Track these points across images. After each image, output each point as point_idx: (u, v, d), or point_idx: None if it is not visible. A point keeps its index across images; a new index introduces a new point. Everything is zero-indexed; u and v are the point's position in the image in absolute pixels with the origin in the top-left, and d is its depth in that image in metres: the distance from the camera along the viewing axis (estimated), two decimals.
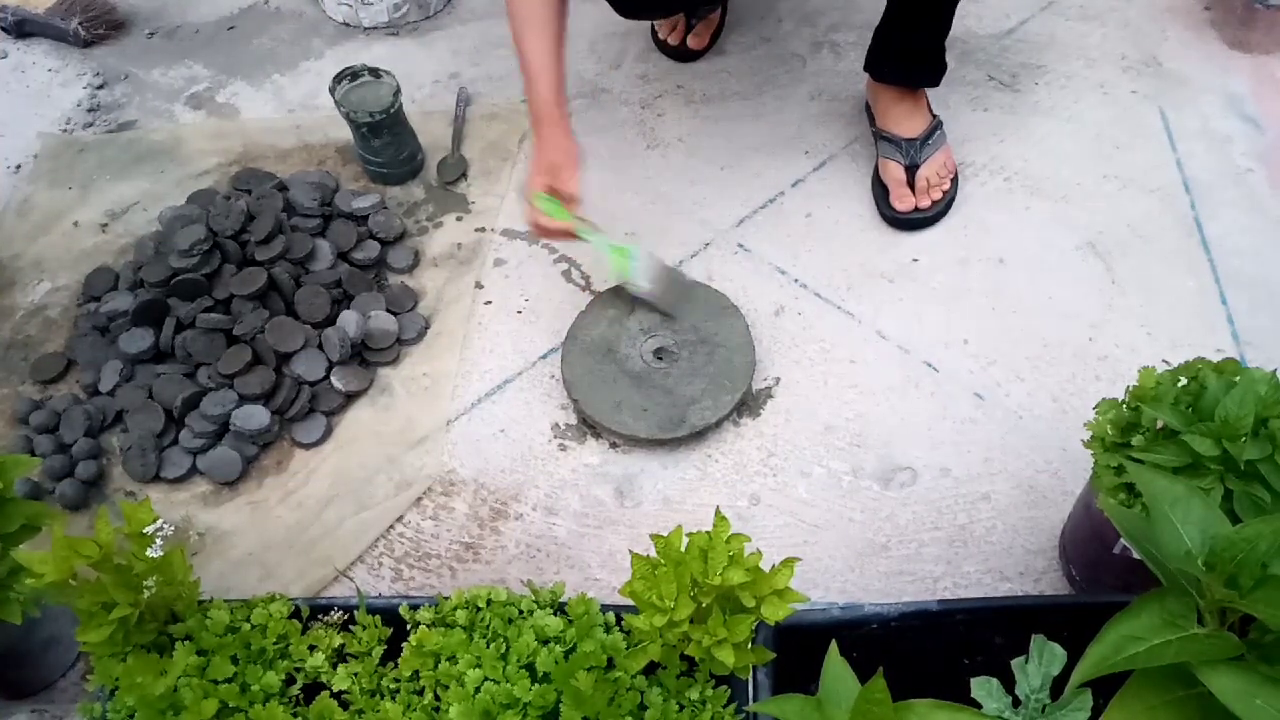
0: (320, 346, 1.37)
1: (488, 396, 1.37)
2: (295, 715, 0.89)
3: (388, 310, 1.42)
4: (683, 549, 0.80)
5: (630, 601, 0.81)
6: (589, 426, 1.32)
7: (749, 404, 1.33)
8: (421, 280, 1.49)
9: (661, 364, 1.33)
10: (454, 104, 1.71)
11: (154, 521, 0.89)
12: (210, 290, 1.39)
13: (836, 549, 1.21)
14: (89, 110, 1.78)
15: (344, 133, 1.62)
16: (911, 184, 1.47)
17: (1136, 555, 0.72)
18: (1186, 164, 1.53)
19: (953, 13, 1.39)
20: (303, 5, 1.94)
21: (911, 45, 1.44)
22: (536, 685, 0.85)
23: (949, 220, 1.49)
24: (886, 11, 1.42)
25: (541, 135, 1.27)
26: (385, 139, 1.54)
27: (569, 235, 1.29)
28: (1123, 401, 0.94)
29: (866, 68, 1.50)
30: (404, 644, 0.92)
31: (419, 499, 1.27)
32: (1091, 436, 0.94)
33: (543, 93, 1.26)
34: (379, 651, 0.93)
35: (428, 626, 0.93)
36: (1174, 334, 1.35)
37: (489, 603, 0.94)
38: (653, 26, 1.77)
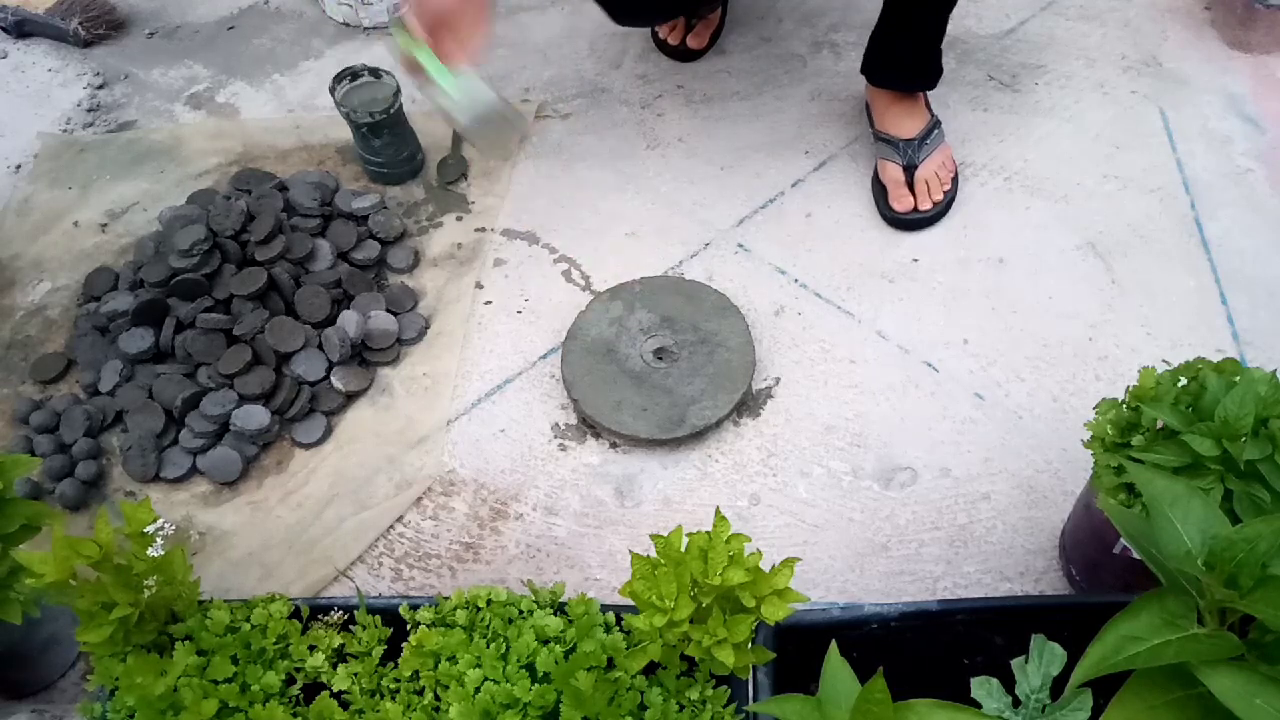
0: (320, 346, 1.37)
1: (488, 396, 1.37)
2: (295, 715, 0.89)
3: (388, 310, 1.42)
4: (683, 549, 0.80)
5: (630, 601, 0.81)
6: (589, 426, 1.32)
7: (749, 404, 1.33)
8: (421, 280, 1.49)
9: (661, 364, 1.33)
10: None
11: (154, 521, 0.89)
12: (210, 290, 1.39)
13: (836, 549, 1.21)
14: (89, 110, 1.78)
15: (344, 133, 1.62)
16: (910, 184, 1.47)
17: (1136, 555, 0.72)
18: (1186, 164, 1.53)
19: (946, 19, 1.39)
20: (303, 5, 1.94)
21: (906, 51, 1.44)
22: (536, 685, 0.85)
23: (949, 220, 1.49)
24: (881, 17, 1.42)
25: None
26: (385, 139, 1.54)
27: (420, 70, 1.10)
28: (1123, 401, 0.94)
29: (863, 71, 1.50)
30: (404, 644, 0.92)
31: (419, 499, 1.27)
32: (1091, 436, 0.94)
33: None
34: (379, 651, 0.93)
35: (428, 626, 0.92)
36: (1174, 334, 1.35)
37: (489, 603, 0.94)
38: (652, 26, 1.77)
